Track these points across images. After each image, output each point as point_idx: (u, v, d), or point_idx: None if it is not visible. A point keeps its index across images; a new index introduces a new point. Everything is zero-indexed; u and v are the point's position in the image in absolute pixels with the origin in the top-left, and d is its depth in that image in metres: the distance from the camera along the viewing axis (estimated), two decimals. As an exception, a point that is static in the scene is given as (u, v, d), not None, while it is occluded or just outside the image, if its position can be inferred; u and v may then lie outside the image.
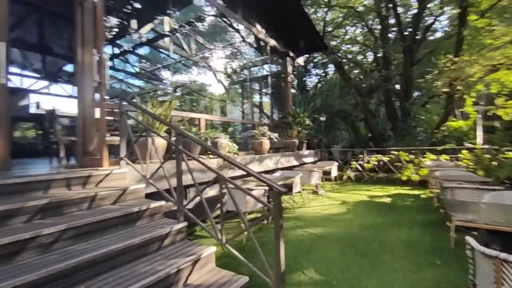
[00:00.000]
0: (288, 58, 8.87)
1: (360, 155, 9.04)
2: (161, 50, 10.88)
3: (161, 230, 2.32)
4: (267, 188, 4.07)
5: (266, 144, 6.13)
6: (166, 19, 8.11)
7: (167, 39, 8.55)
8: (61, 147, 4.51)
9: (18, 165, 3.88)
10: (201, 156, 4.39)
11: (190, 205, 3.10)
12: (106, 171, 2.85)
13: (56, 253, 1.83)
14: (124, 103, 3.22)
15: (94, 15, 3.32)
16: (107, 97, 3.45)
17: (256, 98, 14.44)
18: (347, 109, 12.41)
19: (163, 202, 2.72)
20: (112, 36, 8.97)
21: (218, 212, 4.48)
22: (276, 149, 7.41)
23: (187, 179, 2.66)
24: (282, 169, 6.55)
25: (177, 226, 2.43)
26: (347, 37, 13.82)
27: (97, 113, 3.29)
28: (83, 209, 2.35)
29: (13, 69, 11.21)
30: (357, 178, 8.54)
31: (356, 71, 13.99)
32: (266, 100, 14.69)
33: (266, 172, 6.13)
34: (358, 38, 13.69)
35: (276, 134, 6.47)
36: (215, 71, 13.11)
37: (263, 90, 13.79)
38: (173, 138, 3.42)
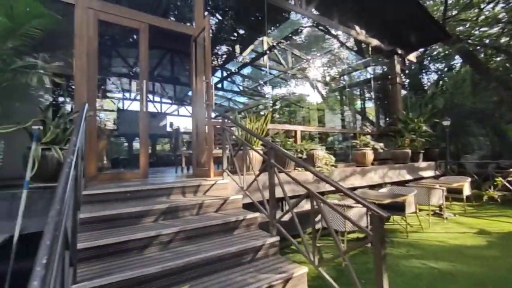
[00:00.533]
0: (395, 57, 7.79)
1: (511, 169, 6.74)
2: (261, 68, 11.72)
3: (255, 242, 2.39)
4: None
5: (370, 155, 5.48)
6: (265, 38, 8.71)
7: (266, 57, 9.13)
8: (183, 159, 5.48)
9: (155, 173, 4.96)
10: (297, 168, 4.35)
11: (285, 218, 3.09)
12: (212, 181, 3.22)
13: (171, 251, 2.16)
14: (226, 120, 3.58)
15: (203, 48, 3.92)
16: (217, 113, 3.97)
17: (358, 104, 13.34)
18: (486, 109, 9.61)
19: (258, 214, 2.82)
20: (222, 62, 10.43)
21: (318, 226, 4.28)
22: (383, 161, 6.51)
23: (281, 192, 2.67)
24: (391, 183, 5.68)
25: (270, 239, 2.44)
26: (482, 17, 10.88)
27: (206, 129, 3.81)
28: (193, 214, 2.72)
29: (156, 98, 14.71)
30: (505, 200, 6.38)
31: (498, 59, 10.76)
32: (370, 106, 13.33)
33: (370, 187, 5.45)
34: (500, 16, 10.53)
35: (381, 144, 5.70)
36: (312, 81, 13.02)
37: (366, 95, 12.60)
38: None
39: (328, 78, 13.17)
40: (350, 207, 3.45)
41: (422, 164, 6.73)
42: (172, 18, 7.90)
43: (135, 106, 14.44)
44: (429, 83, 12.86)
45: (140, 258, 2.03)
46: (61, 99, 5.53)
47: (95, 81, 3.50)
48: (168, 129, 14.36)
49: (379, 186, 5.66)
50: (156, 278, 1.83)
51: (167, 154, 14.05)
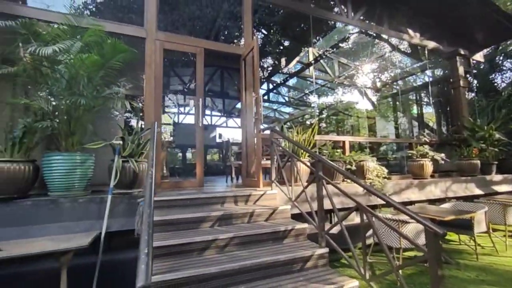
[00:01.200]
0: (457, 58, 7.10)
1: None
2: (307, 78, 11.75)
3: (304, 252, 2.46)
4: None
5: (428, 166, 5.06)
6: (310, 49, 8.79)
7: (311, 68, 9.17)
8: (233, 169, 5.80)
9: (208, 182, 5.37)
10: (346, 180, 4.28)
11: (334, 231, 3.09)
12: (261, 191, 3.40)
13: (226, 255, 2.37)
14: (274, 133, 3.75)
15: (252, 66, 4.20)
16: (264, 125, 4.20)
17: (414, 111, 12.30)
18: None
19: (306, 225, 2.88)
20: (268, 74, 10.79)
21: (370, 241, 4.11)
22: (445, 173, 5.92)
23: (330, 203, 2.70)
24: (455, 198, 5.12)
25: (319, 250, 2.48)
26: None
27: (255, 141, 4.04)
28: (244, 222, 2.91)
29: (207, 111, 15.78)
30: None
31: None
32: (428, 112, 12.18)
33: (430, 201, 5.01)
34: None
35: (442, 155, 5.21)
36: (361, 88, 12.52)
37: (424, 101, 11.56)
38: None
39: (379, 84, 12.53)
40: (405, 222, 3.26)
41: (496, 177, 5.91)
42: (222, 37, 8.58)
43: (188, 119, 15.73)
44: (504, 84, 11.25)
45: (201, 258, 2.27)
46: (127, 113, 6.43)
47: (160, 101, 4.04)
48: (218, 140, 15.24)
49: (441, 201, 5.15)
50: (215, 278, 2.04)
51: (216, 164, 14.87)
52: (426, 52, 7.45)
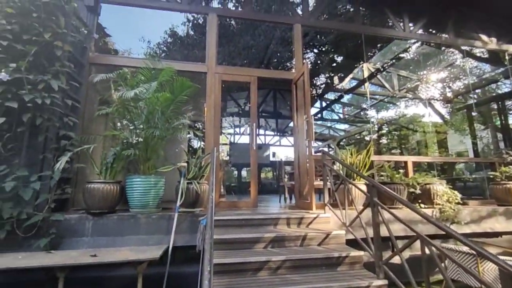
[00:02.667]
0: (551, 61, 5.98)
1: None
2: (362, 95, 11.28)
3: (360, 281, 2.36)
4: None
5: (518, 191, 4.28)
6: (365, 65, 8.52)
7: (367, 84, 8.84)
8: (286, 189, 5.87)
9: (261, 201, 5.53)
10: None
11: (395, 261, 2.86)
12: (314, 214, 3.39)
13: (279, 277, 2.44)
14: (326, 155, 3.75)
15: (303, 88, 4.34)
16: (319, 143, 4.22)
17: (498, 122, 10.49)
18: None
19: (362, 252, 2.75)
20: (320, 92, 10.75)
21: (440, 276, 3.63)
22: (544, 199, 4.87)
23: (388, 231, 2.55)
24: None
25: (377, 282, 2.35)
26: None
27: (307, 163, 4.08)
28: (297, 245, 2.94)
29: (260, 131, 16.34)
30: None
31: None
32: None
33: (523, 233, 4.18)
34: None
35: (537, 177, 4.36)
36: (427, 100, 11.37)
37: (510, 112, 9.82)
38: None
39: (449, 95, 11.20)
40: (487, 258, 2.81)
41: None
42: (274, 60, 9.01)
43: (244, 139, 16.51)
44: None
45: (255, 278, 2.39)
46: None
47: (219, 127, 4.47)
48: (272, 158, 15.51)
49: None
50: (268, 300, 2.13)
51: (270, 182, 15.05)
52: (507, 56, 6.49)
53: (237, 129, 16.57)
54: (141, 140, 3.58)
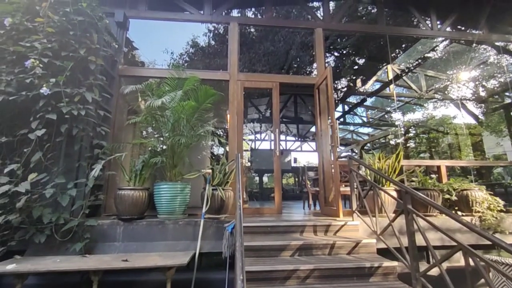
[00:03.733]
0: None
1: None
2: (388, 97, 10.90)
3: (395, 294, 2.22)
4: None
5: None
6: (389, 67, 8.25)
7: (391, 86, 8.53)
8: (310, 195, 5.75)
9: (284, 207, 5.45)
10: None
11: (434, 273, 2.67)
12: (341, 222, 3.28)
13: (307, 287, 2.36)
14: (352, 161, 3.63)
15: (326, 93, 4.26)
16: (342, 148, 4.11)
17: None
18: None
19: (396, 263, 2.60)
20: (342, 96, 10.53)
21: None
22: None
23: (424, 240, 2.39)
24: None
25: (414, 295, 2.20)
26: None
27: (332, 169, 3.97)
28: (325, 254, 2.85)
29: (281, 137, 16.27)
30: None
31: None
32: None
33: None
34: None
35: None
36: (458, 100, 10.73)
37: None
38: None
39: (483, 94, 10.50)
40: (538, 271, 2.55)
41: None
42: (295, 65, 8.98)
43: (264, 145, 16.51)
44: None
45: (283, 286, 2.34)
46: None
47: (242, 133, 4.49)
48: (293, 164, 15.33)
49: None
50: (298, 310, 2.06)
51: (292, 188, 14.86)
52: (549, 51, 5.98)
53: (258, 135, 16.63)
54: (167, 148, 3.68)
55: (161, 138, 3.75)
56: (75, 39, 3.38)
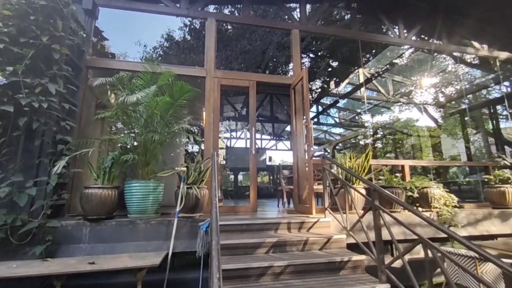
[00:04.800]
0: (540, 67, 6.16)
1: None
2: (358, 99, 11.42)
3: (363, 286, 2.35)
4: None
5: (512, 194, 4.35)
6: (360, 71, 8.64)
7: (362, 89, 8.95)
8: (284, 193, 5.86)
9: (259, 206, 5.50)
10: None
11: (397, 265, 2.86)
12: (314, 219, 3.39)
13: (281, 282, 2.41)
14: (325, 159, 3.76)
15: (302, 93, 4.36)
16: (315, 147, 4.24)
17: (490, 126, 10.73)
18: None
19: (364, 256, 2.75)
20: (316, 96, 10.84)
21: (442, 278, 3.66)
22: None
23: (389, 235, 2.55)
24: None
25: (379, 286, 2.35)
26: None
27: (306, 167, 4.08)
28: (298, 250, 2.93)
29: (257, 135, 16.37)
30: None
31: None
32: (507, 128, 10.51)
33: (518, 236, 4.24)
34: None
35: (530, 180, 4.44)
36: (420, 104, 11.57)
37: (503, 115, 10.05)
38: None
39: (442, 100, 11.42)
40: (484, 260, 2.84)
41: None
42: (271, 65, 9.07)
43: (239, 144, 16.48)
44: None
45: (257, 284, 2.37)
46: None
47: (218, 131, 4.45)
48: (268, 162, 15.49)
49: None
50: (272, 306, 2.10)
51: (267, 187, 15.02)
52: (497, 63, 6.66)
53: (233, 133, 16.56)
54: (139, 145, 3.53)
55: (133, 134, 3.59)
56: (36, 24, 3.11)
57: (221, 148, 15.21)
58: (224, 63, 8.09)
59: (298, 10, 6.55)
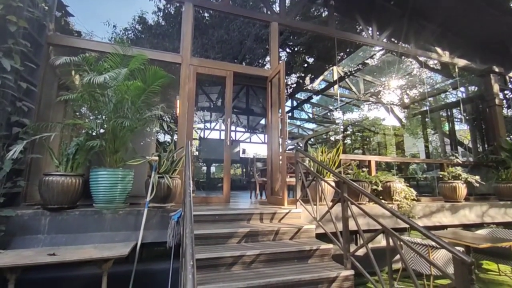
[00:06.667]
0: (491, 76, 6.82)
1: None
2: (331, 96, 11.78)
3: (330, 272, 2.48)
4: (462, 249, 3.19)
5: (461, 189, 4.82)
6: (335, 68, 8.90)
7: (336, 87, 9.23)
8: (257, 185, 5.92)
9: (232, 197, 5.51)
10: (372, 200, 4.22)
11: (360, 253, 3.06)
12: (286, 210, 3.48)
13: (253, 271, 2.46)
14: (298, 153, 3.86)
15: (278, 86, 4.40)
16: (288, 141, 4.32)
17: (446, 127, 11.75)
18: None
19: (331, 245, 2.90)
20: (291, 91, 10.99)
21: (399, 265, 3.98)
22: (481, 196, 5.59)
23: (355, 225, 2.71)
24: (495, 224, 4.81)
25: (344, 272, 2.49)
26: None
27: (280, 160, 4.16)
28: (270, 239, 2.99)
29: (232, 127, 16.25)
30: None
31: None
32: (463, 129, 11.59)
33: (464, 226, 4.74)
34: None
35: (477, 177, 4.95)
36: (388, 104, 12.27)
37: (457, 118, 11.04)
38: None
39: (407, 101, 12.22)
40: (436, 247, 3.14)
41: (541, 202, 5.45)
42: (248, 57, 8.99)
43: (213, 135, 16.27)
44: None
45: (229, 273, 2.39)
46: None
47: (192, 120, 4.34)
48: (242, 155, 15.51)
49: (478, 226, 4.86)
50: (243, 293, 2.14)
51: (240, 179, 15.07)
52: (456, 69, 7.25)
53: (207, 124, 16.27)
54: (107, 131, 3.33)
55: (99, 121, 3.37)
56: (-12, -9, 2.77)
57: (195, 139, 14.91)
58: (200, 51, 7.85)
59: (277, 3, 6.54)
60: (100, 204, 3.08)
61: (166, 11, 8.66)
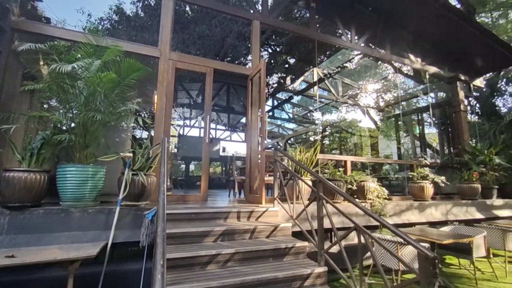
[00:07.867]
0: (458, 83, 7.29)
1: None
2: (311, 97, 12.00)
3: (304, 270, 2.53)
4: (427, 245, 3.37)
5: (429, 189, 5.12)
6: (315, 70, 9.07)
7: (315, 87, 9.41)
8: (236, 184, 5.90)
9: (210, 195, 5.45)
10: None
11: (334, 250, 3.14)
12: (263, 208, 3.49)
13: (228, 269, 2.45)
14: (277, 152, 3.89)
15: (259, 85, 4.40)
16: (268, 140, 4.33)
17: (417, 130, 12.43)
18: None
19: (306, 243, 2.95)
20: (272, 91, 11.06)
21: (370, 261, 4.13)
22: (447, 195, 5.96)
23: (330, 223, 2.78)
24: (457, 221, 5.15)
25: (318, 269, 2.55)
26: None
27: (259, 159, 4.17)
28: (246, 238, 2.99)
29: (212, 125, 16.07)
30: None
31: None
32: (432, 132, 12.31)
33: (430, 224, 5.03)
34: None
35: (443, 177, 5.27)
36: (364, 107, 12.73)
37: (427, 122, 11.72)
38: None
39: (382, 104, 12.75)
40: (404, 244, 3.31)
41: (497, 201, 5.92)
42: (230, 55, 8.92)
43: (193, 132, 15.98)
44: (505, 109, 11.40)
45: (203, 272, 2.36)
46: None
47: (170, 116, 4.23)
48: (221, 153, 15.39)
49: (443, 223, 5.18)
50: (217, 292, 2.12)
51: (219, 177, 14.95)
52: (427, 76, 7.67)
53: (187, 121, 15.96)
54: (77, 125, 3.15)
55: (70, 115, 3.18)
56: None
57: (173, 136, 14.57)
58: (181, 46, 7.66)
59: (260, 2, 6.53)
60: (67, 202, 2.91)
61: (146, 2, 8.35)
